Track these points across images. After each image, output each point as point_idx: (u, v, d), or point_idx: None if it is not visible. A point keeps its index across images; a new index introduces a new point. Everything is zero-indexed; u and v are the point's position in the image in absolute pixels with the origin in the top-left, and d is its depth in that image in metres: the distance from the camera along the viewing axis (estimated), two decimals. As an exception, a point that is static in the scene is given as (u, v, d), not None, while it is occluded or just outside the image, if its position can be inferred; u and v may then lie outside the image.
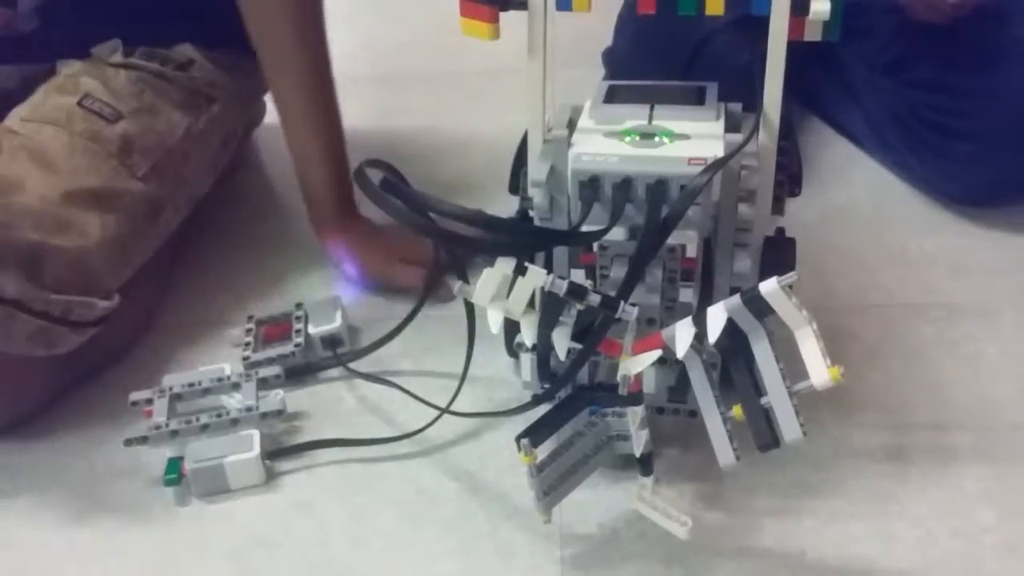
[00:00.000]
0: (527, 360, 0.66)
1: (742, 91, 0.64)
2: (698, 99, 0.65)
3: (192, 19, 0.87)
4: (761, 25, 0.57)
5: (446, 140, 1.12)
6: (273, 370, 0.74)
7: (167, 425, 0.68)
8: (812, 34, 0.57)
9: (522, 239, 0.58)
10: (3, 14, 0.81)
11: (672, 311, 0.61)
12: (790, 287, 0.50)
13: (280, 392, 0.72)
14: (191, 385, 0.72)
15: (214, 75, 0.89)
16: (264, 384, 0.72)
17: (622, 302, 0.53)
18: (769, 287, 0.50)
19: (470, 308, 0.66)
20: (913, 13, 0.88)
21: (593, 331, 0.55)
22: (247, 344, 0.77)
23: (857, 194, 0.97)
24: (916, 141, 0.93)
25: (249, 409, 0.69)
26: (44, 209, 0.70)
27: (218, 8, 0.82)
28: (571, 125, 0.64)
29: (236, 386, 0.72)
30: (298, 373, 0.76)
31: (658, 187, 0.57)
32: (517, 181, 0.69)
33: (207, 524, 0.65)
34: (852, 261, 0.87)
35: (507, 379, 0.75)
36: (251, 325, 0.79)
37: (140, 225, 0.78)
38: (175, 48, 0.87)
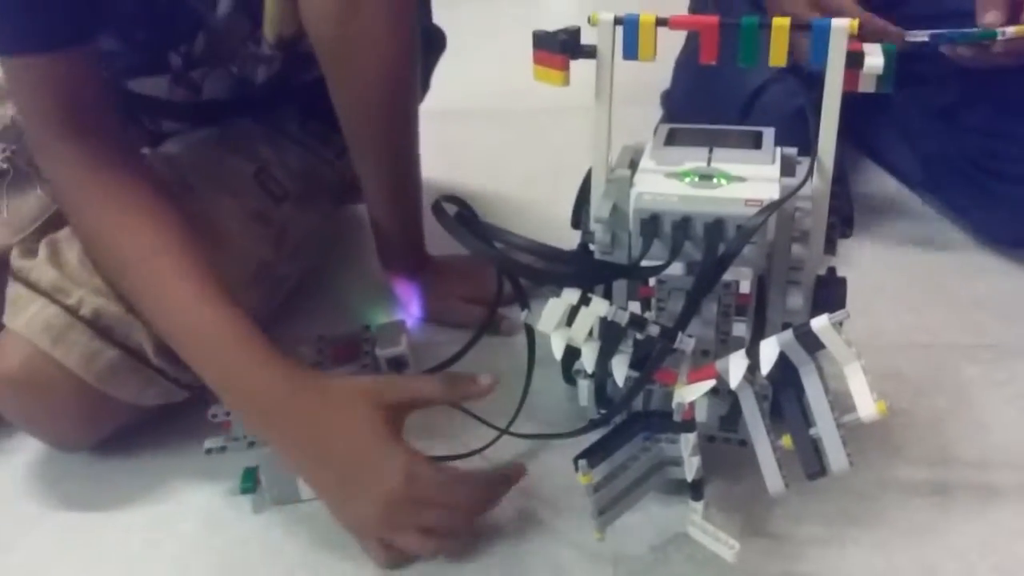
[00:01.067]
0: (585, 386, 0.69)
1: (797, 136, 0.67)
2: (755, 143, 0.68)
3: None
4: (816, 74, 0.61)
5: (509, 175, 1.17)
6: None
7: (244, 436, 0.72)
8: (866, 86, 0.60)
9: (587, 272, 0.62)
10: (188, 93, 0.85)
11: (726, 344, 0.64)
12: (840, 324, 0.54)
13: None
14: None
15: None
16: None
17: (680, 333, 0.57)
18: (820, 323, 0.53)
19: (531, 335, 0.69)
20: (960, 61, 0.91)
21: (652, 358, 0.58)
22: (317, 363, 0.82)
23: (907, 235, 1.00)
24: (969, 185, 0.95)
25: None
26: None
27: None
28: (632, 165, 0.68)
29: None
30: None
31: (716, 226, 0.60)
32: (579, 217, 0.73)
33: (280, 530, 0.69)
34: (900, 301, 0.90)
35: (563, 405, 0.78)
36: (321, 345, 0.84)
37: (265, 297, 0.84)
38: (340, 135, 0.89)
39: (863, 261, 0.94)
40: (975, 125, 0.94)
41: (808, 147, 0.63)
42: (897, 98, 1.01)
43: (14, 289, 0.72)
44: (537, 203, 1.09)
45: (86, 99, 0.70)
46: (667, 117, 1.09)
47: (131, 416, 0.75)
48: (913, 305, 0.89)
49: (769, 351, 0.56)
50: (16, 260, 0.73)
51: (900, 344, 0.84)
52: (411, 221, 0.87)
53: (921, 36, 0.89)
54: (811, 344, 0.55)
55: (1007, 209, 0.92)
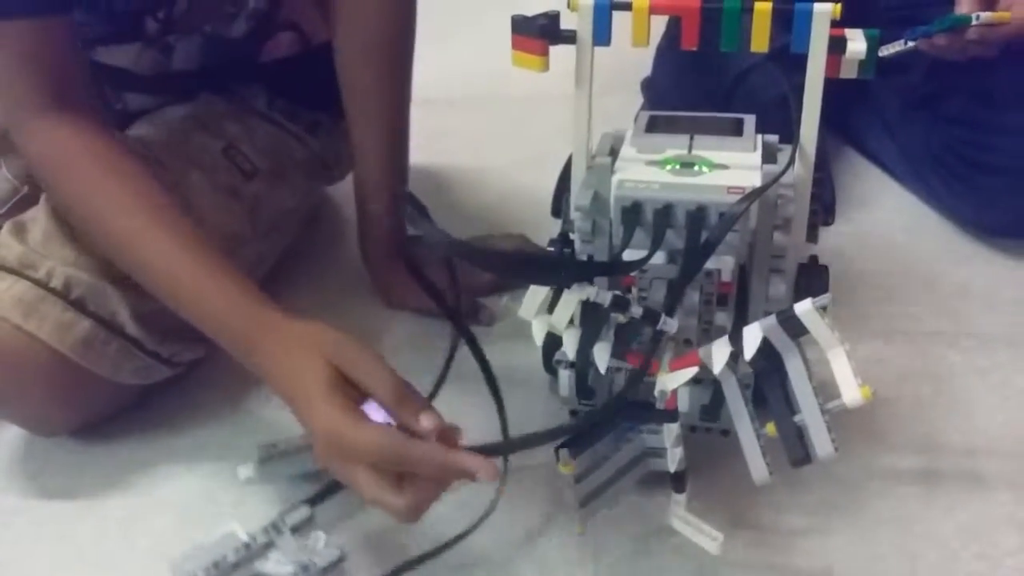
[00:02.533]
0: (566, 376, 0.69)
1: (778, 122, 0.66)
2: (736, 131, 0.68)
3: (329, 87, 0.86)
4: (797, 60, 0.60)
5: (489, 163, 1.16)
6: (300, 513, 0.61)
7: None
8: (848, 72, 0.59)
9: (566, 272, 0.60)
10: (154, 57, 0.84)
11: (708, 333, 0.63)
12: (824, 309, 0.53)
13: (321, 536, 0.60)
14: (216, 566, 0.57)
15: (337, 143, 0.93)
16: (297, 531, 0.61)
17: (663, 315, 0.56)
18: (804, 308, 0.53)
19: (474, 346, 0.66)
20: (938, 53, 0.91)
21: (643, 337, 0.57)
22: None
23: (889, 223, 0.99)
24: (949, 174, 0.95)
25: (306, 569, 0.58)
26: None
27: None
28: (613, 153, 0.67)
29: (268, 546, 0.60)
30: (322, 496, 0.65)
31: (698, 214, 0.60)
32: (560, 205, 0.72)
33: (256, 524, 0.68)
34: (883, 289, 0.90)
35: (543, 396, 0.77)
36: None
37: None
38: (310, 112, 0.91)
39: (846, 249, 0.94)
40: (954, 115, 0.94)
41: (790, 134, 0.63)
42: (877, 87, 1.01)
43: None
44: (519, 191, 1.08)
45: (67, 70, 0.69)
46: (648, 105, 1.08)
47: (110, 398, 0.75)
48: (896, 293, 0.89)
49: (752, 337, 0.55)
50: None
51: (883, 332, 0.84)
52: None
53: (895, 47, 0.89)
54: (794, 329, 0.54)
55: (987, 198, 0.92)
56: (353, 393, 0.57)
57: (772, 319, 0.54)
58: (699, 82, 0.94)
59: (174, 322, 0.70)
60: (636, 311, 0.56)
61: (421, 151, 1.15)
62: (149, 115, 0.87)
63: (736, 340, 0.56)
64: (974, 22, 0.85)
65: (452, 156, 1.18)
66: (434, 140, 1.20)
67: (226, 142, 0.85)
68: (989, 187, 0.91)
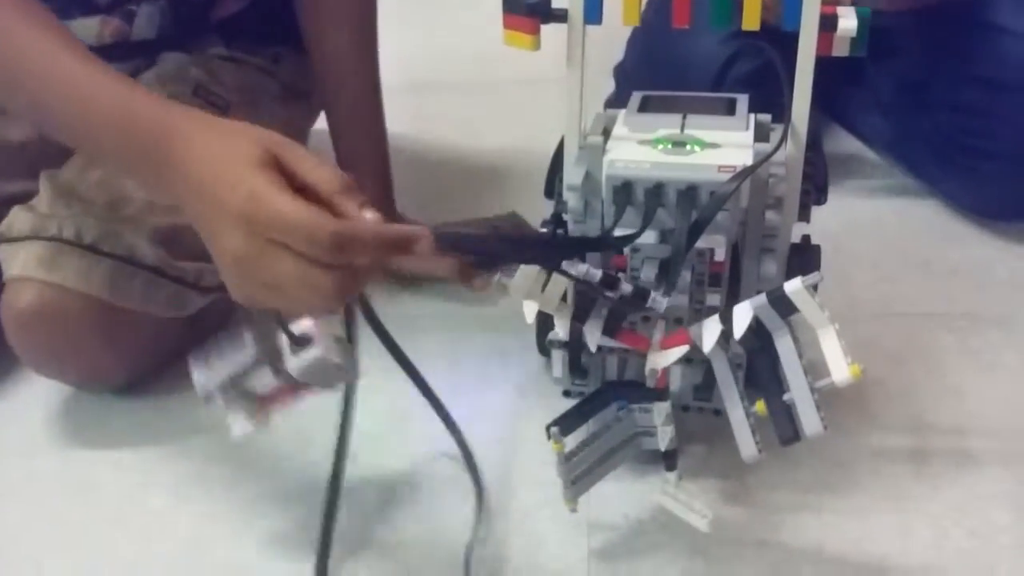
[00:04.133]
0: (559, 356, 0.69)
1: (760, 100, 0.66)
2: (728, 110, 0.67)
3: (283, 23, 0.89)
4: (781, 39, 0.60)
5: (481, 146, 1.15)
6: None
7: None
8: (840, 50, 0.59)
9: (556, 249, 0.60)
10: (118, 26, 0.84)
11: (700, 313, 0.63)
12: (814, 287, 0.53)
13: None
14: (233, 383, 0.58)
15: (303, 71, 0.94)
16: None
17: (652, 292, 0.56)
18: (793, 286, 0.53)
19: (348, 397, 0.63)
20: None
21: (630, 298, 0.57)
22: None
23: (882, 205, 1.00)
24: (941, 158, 0.95)
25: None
26: None
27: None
28: (606, 133, 0.67)
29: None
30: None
31: (689, 193, 0.59)
32: (553, 186, 0.72)
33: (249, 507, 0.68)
34: (876, 270, 0.90)
35: (538, 375, 0.77)
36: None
37: None
38: (267, 48, 0.92)
39: (838, 230, 0.94)
40: (942, 99, 0.94)
41: (781, 111, 0.63)
42: (871, 71, 1.01)
43: (3, 251, 0.73)
44: (511, 174, 1.08)
45: None
46: (617, 90, 1.08)
47: (152, 337, 0.77)
48: (888, 274, 0.89)
49: (742, 315, 0.55)
50: None
51: (876, 313, 0.84)
52: (380, 158, 0.90)
53: None
54: (784, 308, 0.54)
55: (983, 183, 0.92)
56: (287, 183, 0.50)
57: (762, 298, 0.54)
58: (665, 64, 0.94)
59: (191, 242, 0.71)
60: (626, 288, 0.56)
61: (413, 134, 1.15)
62: None
63: (727, 319, 0.56)
64: None
65: (444, 139, 1.18)
66: (427, 123, 1.20)
67: (193, 85, 0.85)
68: (984, 172, 0.91)
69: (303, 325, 0.56)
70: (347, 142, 0.89)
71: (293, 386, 0.58)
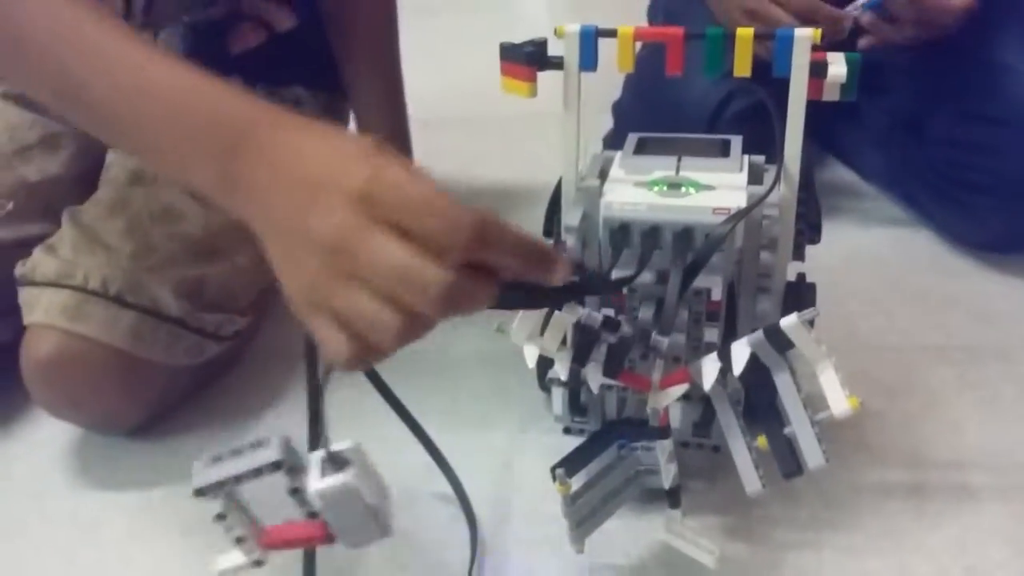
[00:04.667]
0: (559, 394, 0.69)
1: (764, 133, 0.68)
2: (723, 152, 0.69)
3: (304, 63, 0.92)
4: (774, 80, 0.61)
5: (481, 183, 1.17)
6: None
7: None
8: (830, 95, 0.60)
9: (555, 293, 0.61)
10: None
11: (697, 351, 0.64)
12: (810, 323, 0.54)
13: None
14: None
15: (323, 115, 0.95)
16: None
17: (653, 333, 0.57)
18: (790, 322, 0.54)
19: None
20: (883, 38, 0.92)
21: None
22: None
23: (879, 238, 1.01)
24: (938, 193, 0.96)
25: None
26: (204, 238, 0.79)
27: (327, 54, 0.92)
28: (603, 174, 0.68)
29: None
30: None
31: (684, 235, 0.61)
32: (551, 225, 0.73)
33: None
34: (873, 304, 0.90)
35: (539, 411, 0.78)
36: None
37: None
38: (288, 89, 0.94)
39: (836, 262, 0.95)
40: (939, 135, 0.95)
41: (775, 151, 0.64)
42: (865, 105, 1.02)
43: (25, 294, 0.74)
44: (513, 209, 1.09)
45: None
46: (615, 127, 1.10)
47: (168, 384, 0.78)
48: (885, 307, 0.90)
49: (740, 352, 0.56)
50: (19, 269, 0.76)
51: (873, 346, 0.85)
52: (402, 133, 0.94)
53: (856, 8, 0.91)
54: (781, 343, 0.55)
55: (977, 216, 0.93)
56: None
57: (759, 334, 0.55)
58: (662, 103, 0.96)
59: (213, 294, 0.76)
60: (627, 330, 0.57)
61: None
62: None
63: (725, 356, 0.57)
64: None
65: (447, 174, 1.19)
66: (430, 159, 1.21)
67: None
68: (978, 205, 0.92)
69: (344, 447, 0.47)
70: (371, 107, 0.92)
71: (305, 522, 0.48)
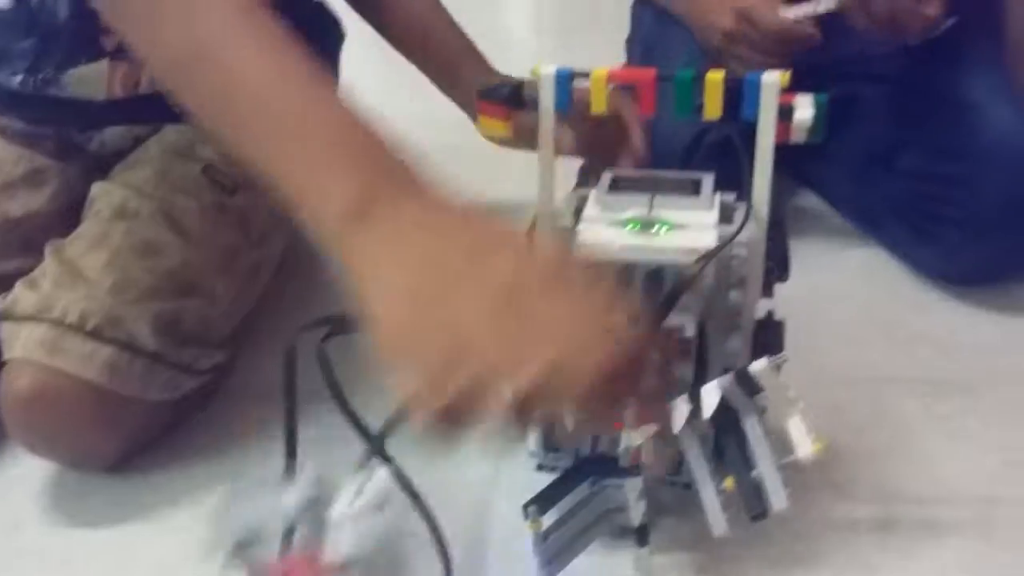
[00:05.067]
0: (533, 430, 0.70)
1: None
2: (694, 190, 0.70)
3: None
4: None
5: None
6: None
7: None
8: (798, 138, 0.62)
9: None
10: (127, 72, 0.86)
11: (670, 387, 0.65)
12: (778, 367, 0.55)
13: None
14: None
15: None
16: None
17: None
18: (759, 366, 0.55)
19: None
20: (878, 31, 0.93)
21: None
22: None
23: (849, 270, 1.02)
24: (909, 226, 0.98)
25: None
26: (183, 272, 0.79)
27: None
28: (577, 212, 0.69)
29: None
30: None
31: (656, 274, 0.62)
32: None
33: None
34: (843, 337, 0.92)
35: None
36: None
37: (247, 284, 0.87)
38: None
39: (806, 295, 0.95)
40: (909, 170, 0.97)
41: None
42: (837, 139, 1.04)
43: (5, 329, 0.74)
44: None
45: None
46: (586, 165, 1.12)
47: (146, 419, 0.78)
48: (855, 339, 0.91)
49: (710, 396, 0.57)
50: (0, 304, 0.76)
51: (843, 379, 0.86)
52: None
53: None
54: (750, 387, 0.56)
55: (948, 249, 0.95)
56: None
57: (729, 378, 0.56)
58: None
59: (190, 327, 0.76)
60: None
61: None
62: (126, 160, 0.88)
63: (695, 398, 0.58)
64: None
65: None
66: None
67: (203, 163, 0.87)
68: (947, 239, 0.94)
69: (380, 486, 0.47)
70: (449, 51, 0.93)
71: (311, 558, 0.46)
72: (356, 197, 0.47)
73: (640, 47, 1.16)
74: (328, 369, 0.57)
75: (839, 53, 1.04)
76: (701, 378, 0.66)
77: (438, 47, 0.93)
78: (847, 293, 0.99)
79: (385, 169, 0.49)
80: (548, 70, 0.64)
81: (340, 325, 0.54)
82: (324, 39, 1.05)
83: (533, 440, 0.70)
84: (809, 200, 1.14)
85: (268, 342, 0.92)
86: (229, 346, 0.84)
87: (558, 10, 2.16)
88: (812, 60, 1.04)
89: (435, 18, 0.94)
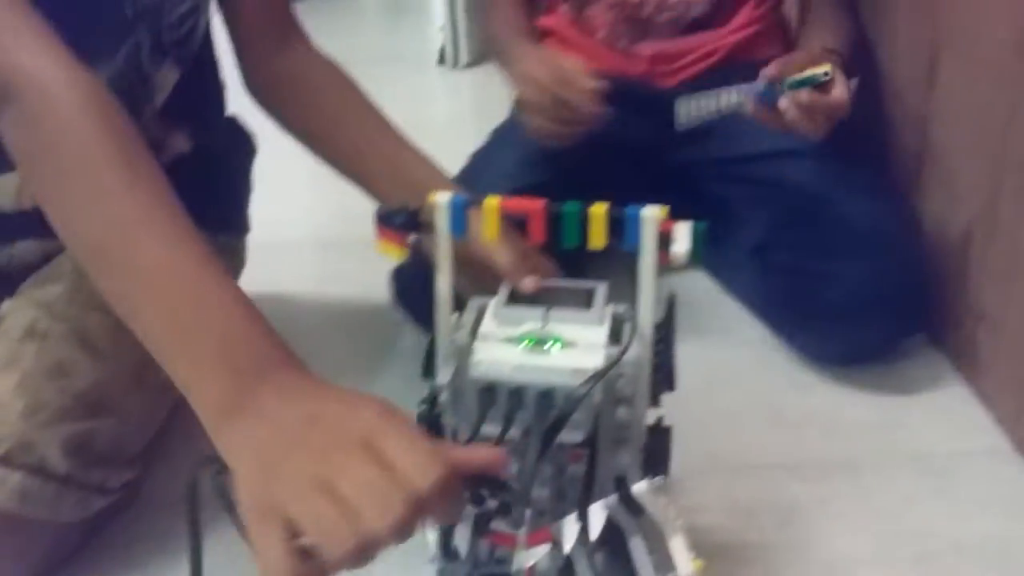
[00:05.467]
0: (432, 538, 0.72)
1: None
2: (587, 302, 0.73)
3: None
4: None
5: (374, 308, 1.16)
6: None
7: None
8: (677, 263, 0.66)
9: None
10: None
11: (563, 503, 0.68)
12: (660, 487, 0.59)
13: None
14: None
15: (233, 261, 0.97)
16: None
17: (514, 507, 0.61)
18: (639, 489, 0.59)
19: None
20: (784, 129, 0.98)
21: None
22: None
23: (743, 355, 1.07)
24: (786, 315, 1.05)
25: None
26: (94, 392, 0.78)
27: (220, 195, 0.92)
28: (476, 325, 0.72)
29: None
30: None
31: (547, 395, 0.65)
32: (430, 367, 0.76)
33: None
34: (735, 422, 0.97)
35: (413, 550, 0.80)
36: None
37: (160, 398, 0.86)
38: None
39: (699, 383, 1.00)
40: (781, 263, 1.04)
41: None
42: (723, 233, 1.11)
43: None
44: (398, 341, 1.11)
45: None
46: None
47: (56, 540, 0.77)
48: (745, 424, 0.96)
49: (596, 516, 0.60)
50: None
51: (732, 466, 0.91)
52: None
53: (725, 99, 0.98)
54: (633, 507, 0.60)
55: (822, 335, 1.01)
56: None
57: (614, 498, 0.59)
58: None
59: (102, 447, 0.76)
60: (491, 504, 0.60)
61: (309, 295, 1.18)
62: (37, 275, 0.87)
63: (583, 517, 0.61)
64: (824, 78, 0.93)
65: (339, 301, 1.20)
66: (324, 284, 1.23)
67: None
68: (820, 327, 1.01)
69: None
70: (421, 179, 0.86)
71: None
72: (229, 393, 0.54)
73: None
74: (227, 499, 0.58)
75: (720, 155, 1.11)
76: (589, 495, 0.69)
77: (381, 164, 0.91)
78: (738, 379, 1.03)
79: (263, 369, 0.55)
80: (443, 199, 0.67)
81: None
82: (236, 154, 1.07)
83: (432, 548, 0.72)
84: (704, 284, 1.19)
85: (181, 452, 0.93)
86: (140, 462, 0.84)
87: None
88: (693, 158, 1.12)
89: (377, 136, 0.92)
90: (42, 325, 0.80)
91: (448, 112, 2.02)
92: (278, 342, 0.57)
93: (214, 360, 0.55)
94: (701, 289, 1.18)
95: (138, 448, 0.84)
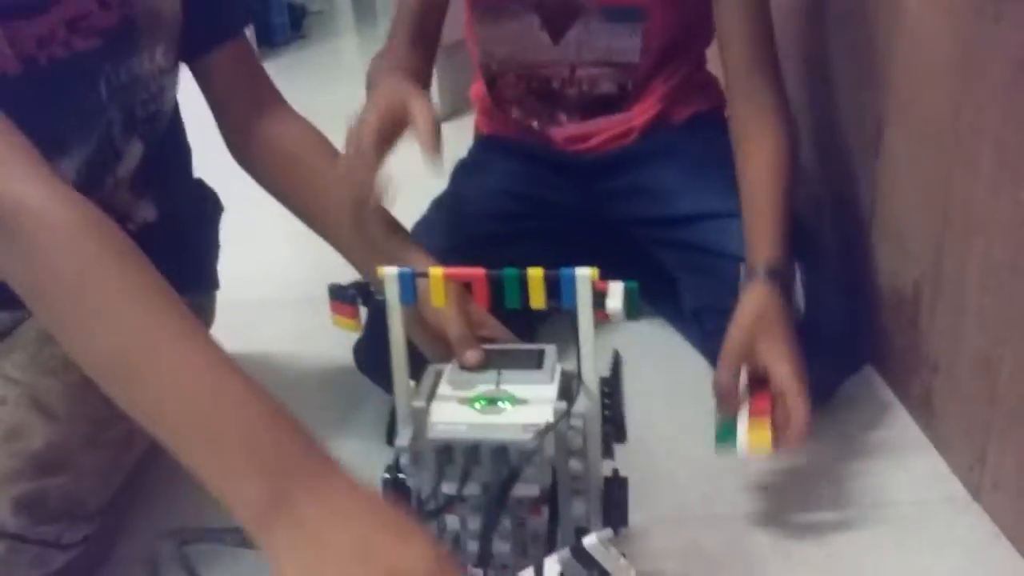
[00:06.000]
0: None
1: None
2: (538, 363, 0.77)
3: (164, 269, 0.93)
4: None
5: (347, 367, 1.17)
6: None
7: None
8: (615, 319, 0.70)
9: None
10: None
11: (524, 555, 0.71)
12: (608, 541, 0.61)
13: None
14: None
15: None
16: None
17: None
18: (590, 542, 0.61)
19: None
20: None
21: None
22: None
23: (710, 406, 1.09)
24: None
25: None
26: (47, 453, 0.79)
27: (189, 257, 0.95)
28: (433, 388, 0.75)
29: None
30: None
31: (501, 451, 0.68)
32: (392, 435, 0.79)
33: None
34: (702, 471, 0.98)
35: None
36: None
37: (119, 454, 0.88)
38: None
39: (670, 432, 1.03)
40: (714, 328, 1.00)
41: None
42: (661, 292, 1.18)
43: None
44: (369, 404, 1.13)
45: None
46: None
47: None
48: (712, 474, 0.98)
49: (551, 570, 0.63)
50: None
51: (699, 515, 0.93)
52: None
53: None
54: (586, 560, 0.62)
55: None
56: None
57: (567, 552, 0.62)
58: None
59: (56, 504, 0.76)
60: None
61: (287, 354, 1.20)
62: (3, 343, 0.90)
63: (539, 572, 0.63)
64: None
65: (315, 359, 1.23)
66: (302, 342, 1.25)
67: None
68: None
69: None
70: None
71: None
72: (266, 500, 0.55)
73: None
74: (192, 572, 0.60)
75: (644, 214, 1.18)
76: (553, 542, 0.71)
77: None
78: (705, 423, 1.05)
79: (291, 467, 0.56)
80: (391, 272, 0.71)
81: (198, 535, 0.58)
82: (203, 216, 1.11)
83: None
84: (670, 331, 1.23)
85: (146, 508, 0.95)
86: (100, 517, 0.85)
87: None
88: (624, 216, 1.17)
89: None
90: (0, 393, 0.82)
91: (420, 164, 2.08)
92: (299, 434, 0.58)
93: (247, 467, 0.56)
94: (668, 339, 1.22)
95: (99, 503, 0.84)
